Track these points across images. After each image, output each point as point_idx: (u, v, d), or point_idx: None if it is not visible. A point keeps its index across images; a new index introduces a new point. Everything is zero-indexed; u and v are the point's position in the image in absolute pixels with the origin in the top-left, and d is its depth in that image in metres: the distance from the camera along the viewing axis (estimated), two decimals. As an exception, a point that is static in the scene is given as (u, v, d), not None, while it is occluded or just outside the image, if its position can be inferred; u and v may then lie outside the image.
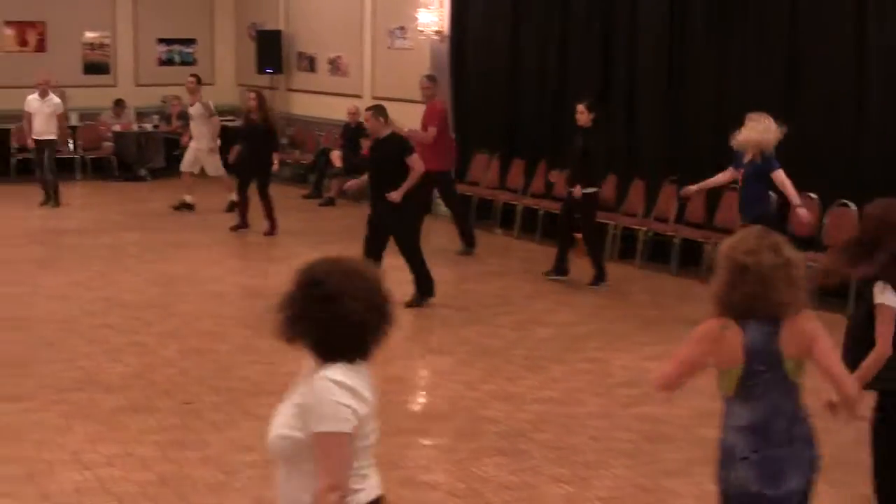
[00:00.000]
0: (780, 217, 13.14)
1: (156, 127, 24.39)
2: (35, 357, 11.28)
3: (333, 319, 4.07)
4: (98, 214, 19.70)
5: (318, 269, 4.15)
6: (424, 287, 13.42)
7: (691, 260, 15.44)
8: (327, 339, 4.10)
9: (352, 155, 21.44)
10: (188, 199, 20.23)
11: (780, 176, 12.29)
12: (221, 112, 21.77)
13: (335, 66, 23.25)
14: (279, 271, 14.38)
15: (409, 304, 13.12)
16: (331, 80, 23.23)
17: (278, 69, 24.51)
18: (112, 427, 9.32)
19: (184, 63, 25.69)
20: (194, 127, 20.20)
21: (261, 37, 24.77)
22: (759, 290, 5.01)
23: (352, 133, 21.72)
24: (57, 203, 20.37)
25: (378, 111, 13.29)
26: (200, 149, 20.11)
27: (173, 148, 23.58)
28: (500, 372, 10.99)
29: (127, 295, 14.08)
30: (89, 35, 25.13)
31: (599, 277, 14.66)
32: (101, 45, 25.27)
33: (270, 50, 24.44)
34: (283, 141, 23.90)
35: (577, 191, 14.40)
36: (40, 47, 24.68)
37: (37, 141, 20.49)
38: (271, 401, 4.10)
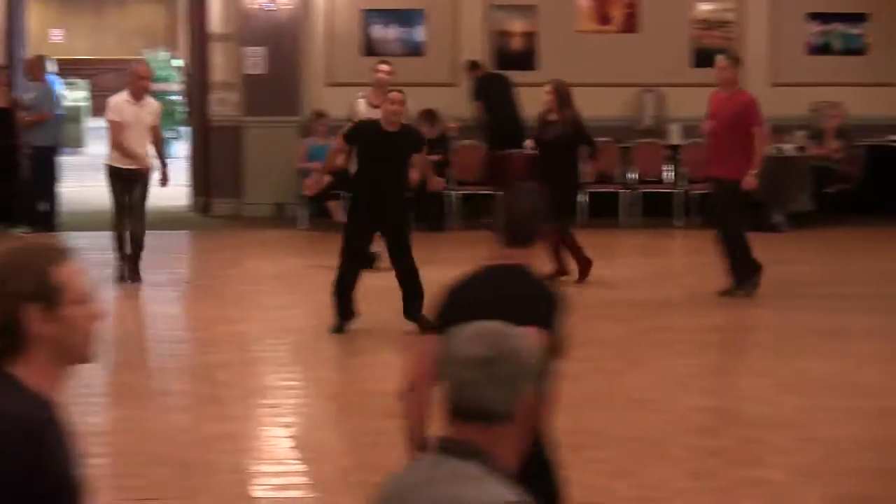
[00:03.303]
0: None
1: (801, 149, 20.97)
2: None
3: None
4: (699, 280, 16.89)
5: None
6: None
7: None
8: None
9: None
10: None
11: None
12: None
13: None
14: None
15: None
16: None
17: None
18: None
19: (846, 51, 22.76)
20: None
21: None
22: None
23: None
24: (136, 278, 16.13)
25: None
26: None
27: (826, 180, 20.55)
28: None
29: (747, 404, 12.62)
30: (703, 8, 22.72)
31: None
32: (721, 24, 22.82)
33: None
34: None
35: None
36: (627, 27, 22.79)
37: (126, 169, 16.13)
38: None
